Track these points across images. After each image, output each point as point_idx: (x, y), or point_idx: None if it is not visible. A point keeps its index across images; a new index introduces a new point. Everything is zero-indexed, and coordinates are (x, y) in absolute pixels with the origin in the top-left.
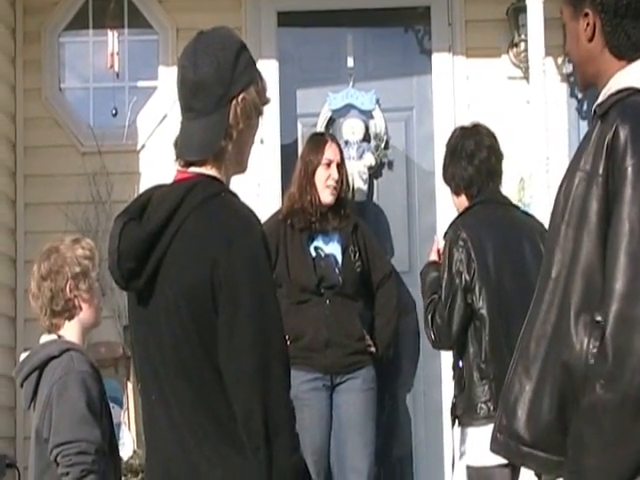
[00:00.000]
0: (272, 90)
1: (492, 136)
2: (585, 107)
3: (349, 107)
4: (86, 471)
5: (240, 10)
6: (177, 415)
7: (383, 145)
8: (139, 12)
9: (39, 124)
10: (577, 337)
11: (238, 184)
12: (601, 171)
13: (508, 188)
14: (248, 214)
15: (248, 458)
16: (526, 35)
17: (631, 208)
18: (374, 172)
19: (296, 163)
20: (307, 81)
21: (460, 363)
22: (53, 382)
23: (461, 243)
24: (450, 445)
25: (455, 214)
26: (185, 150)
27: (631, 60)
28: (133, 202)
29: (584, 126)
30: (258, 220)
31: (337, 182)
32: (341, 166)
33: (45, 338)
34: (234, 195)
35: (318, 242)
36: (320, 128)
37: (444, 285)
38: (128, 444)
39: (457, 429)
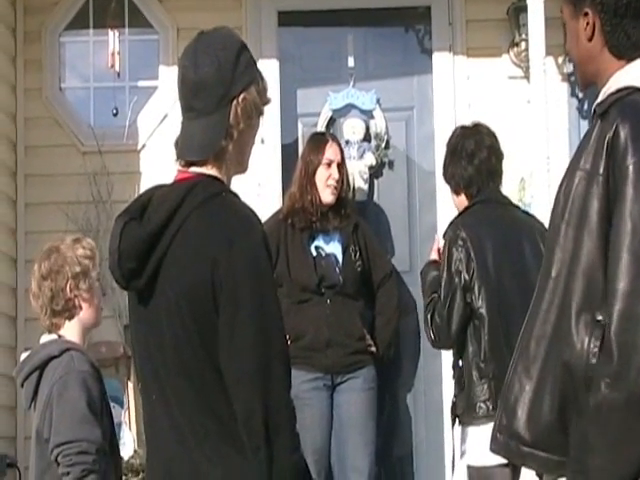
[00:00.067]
0: (273, 90)
1: (493, 136)
2: (586, 107)
3: (350, 107)
4: (87, 471)
5: (241, 9)
6: (178, 415)
7: (384, 145)
8: (140, 12)
9: (40, 124)
10: (578, 336)
11: (239, 184)
12: (601, 170)
13: (509, 188)
14: (249, 214)
15: (249, 458)
16: (527, 35)
17: (633, 207)
18: (375, 172)
19: (297, 163)
20: (308, 81)
21: (460, 362)
22: (54, 382)
23: (460, 242)
24: (450, 444)
25: (455, 214)
26: (186, 150)
27: (631, 59)
28: (134, 202)
29: (585, 125)
30: (259, 220)
31: (338, 182)
32: (342, 166)
33: (45, 338)
34: (235, 195)
35: (319, 242)
36: (321, 128)
37: (443, 284)
38: (129, 444)
39: (457, 428)
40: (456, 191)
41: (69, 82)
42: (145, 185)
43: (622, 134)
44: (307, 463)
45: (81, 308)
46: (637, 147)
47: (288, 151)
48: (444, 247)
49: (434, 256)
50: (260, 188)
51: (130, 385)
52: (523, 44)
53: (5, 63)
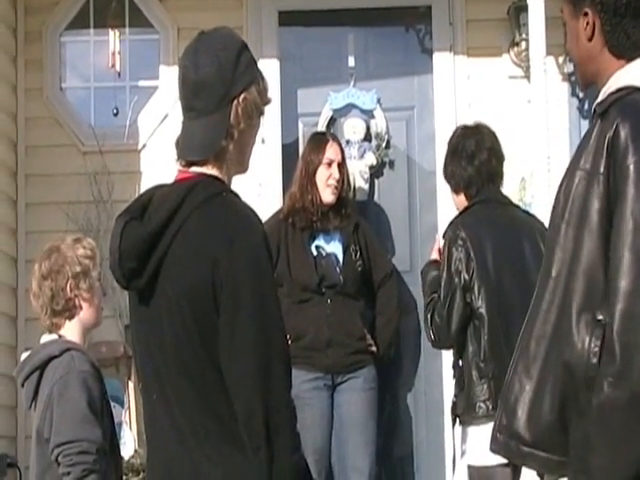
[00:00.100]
0: (273, 90)
1: (494, 137)
2: (586, 106)
3: (350, 106)
4: (87, 471)
5: (241, 9)
6: (178, 414)
7: (384, 144)
8: (140, 11)
9: (40, 124)
10: (578, 336)
11: (239, 184)
12: (602, 169)
13: (509, 187)
14: (249, 214)
15: (249, 457)
16: (527, 34)
17: (634, 206)
18: (375, 171)
19: (297, 163)
20: (308, 80)
21: (460, 362)
22: (54, 382)
23: (460, 242)
24: (451, 444)
25: (456, 214)
26: (186, 150)
27: (630, 59)
28: (134, 202)
29: (585, 125)
30: (259, 220)
31: (338, 182)
32: (342, 165)
33: (46, 338)
34: (235, 195)
35: (319, 241)
36: (321, 127)
37: (443, 284)
38: (129, 443)
39: (458, 428)
40: (456, 190)
41: (70, 82)
42: (146, 185)
43: (622, 133)
44: (307, 463)
45: (81, 308)
46: (637, 146)
47: (289, 151)
48: (444, 247)
49: (435, 256)
50: (261, 188)
51: (130, 385)
52: (523, 44)
53: (6, 63)
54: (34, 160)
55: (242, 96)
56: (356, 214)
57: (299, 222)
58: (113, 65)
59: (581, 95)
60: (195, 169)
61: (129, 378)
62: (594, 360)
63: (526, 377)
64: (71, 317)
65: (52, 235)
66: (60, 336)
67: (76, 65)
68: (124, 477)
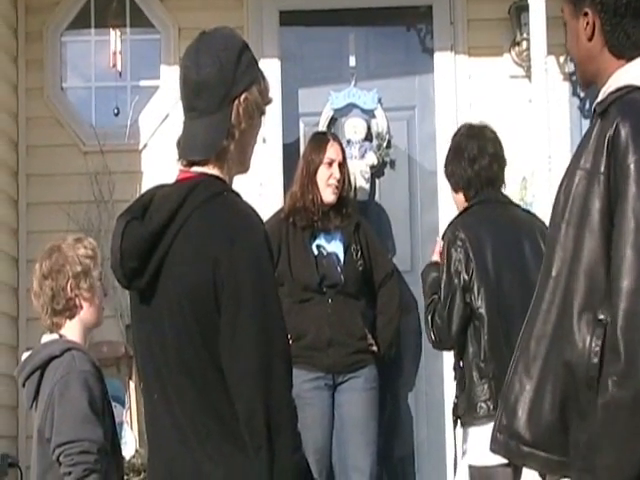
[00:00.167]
0: (274, 89)
1: (497, 142)
2: (587, 106)
3: (351, 106)
4: (88, 470)
5: (242, 9)
6: (179, 414)
7: (385, 144)
8: (141, 11)
9: (41, 123)
10: (579, 336)
11: (240, 183)
12: (602, 169)
13: (510, 187)
14: (250, 213)
15: (250, 457)
16: (528, 34)
17: (635, 204)
18: (376, 171)
19: (298, 162)
20: (309, 80)
21: (461, 364)
22: (55, 382)
23: (459, 243)
24: (452, 444)
25: (456, 214)
26: (188, 150)
27: (630, 59)
28: (135, 201)
29: (586, 125)
30: (260, 219)
31: (339, 181)
32: (343, 165)
33: (46, 337)
34: (236, 194)
35: (320, 241)
36: (322, 127)
37: (443, 285)
38: (130, 443)
39: (459, 430)
40: (455, 189)
41: (70, 82)
42: (147, 185)
43: (623, 133)
44: (308, 463)
45: (82, 307)
46: (638, 145)
47: (290, 150)
48: (443, 248)
49: (435, 258)
50: (262, 187)
51: (132, 385)
52: (524, 43)
53: (7, 63)
54: (35, 160)
55: (243, 96)
56: (357, 214)
57: (300, 222)
58: (114, 65)
59: (582, 95)
60: (196, 169)
61: (130, 378)
62: (595, 360)
63: (526, 377)
64: (72, 317)
65: (53, 235)
66: (61, 336)
67: (77, 65)
68: (125, 477)
